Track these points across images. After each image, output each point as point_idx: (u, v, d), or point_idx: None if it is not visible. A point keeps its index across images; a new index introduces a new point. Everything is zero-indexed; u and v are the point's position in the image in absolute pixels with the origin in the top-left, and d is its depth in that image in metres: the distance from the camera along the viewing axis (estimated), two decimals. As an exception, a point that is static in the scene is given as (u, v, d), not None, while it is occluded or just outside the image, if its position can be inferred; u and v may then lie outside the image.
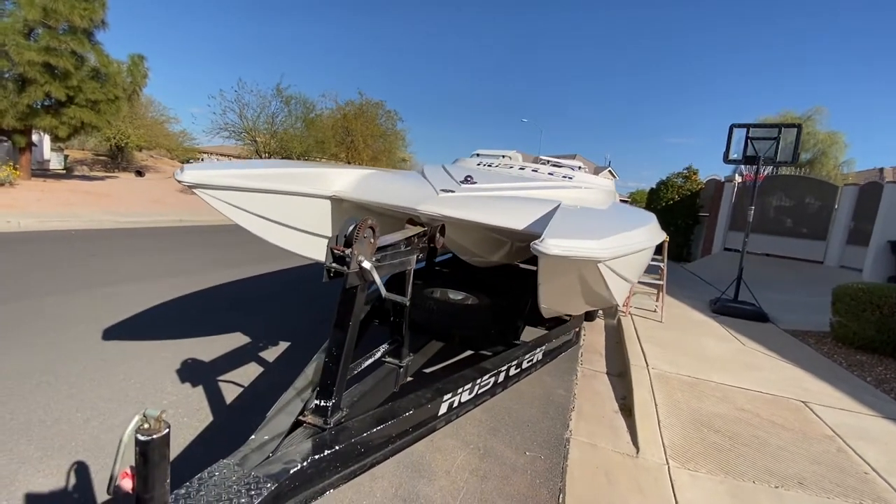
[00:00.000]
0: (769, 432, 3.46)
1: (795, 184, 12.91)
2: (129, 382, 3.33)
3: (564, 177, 4.90)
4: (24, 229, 9.06)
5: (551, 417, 3.53)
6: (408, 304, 1.87)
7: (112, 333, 4.22)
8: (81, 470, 2.39)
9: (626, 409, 3.81)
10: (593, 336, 5.93)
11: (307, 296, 6.33)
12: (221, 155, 46.46)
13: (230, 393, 3.34)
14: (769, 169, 13.11)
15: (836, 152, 24.38)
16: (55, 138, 15.77)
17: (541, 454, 3.02)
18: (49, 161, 24.07)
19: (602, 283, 2.01)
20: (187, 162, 42.67)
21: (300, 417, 1.83)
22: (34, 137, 18.73)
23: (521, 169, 5.10)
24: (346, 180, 2.96)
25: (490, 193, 3.02)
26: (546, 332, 3.67)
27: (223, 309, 5.32)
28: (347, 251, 1.65)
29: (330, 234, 2.91)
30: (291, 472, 1.50)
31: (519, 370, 2.96)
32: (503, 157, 5.65)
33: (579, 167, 5.35)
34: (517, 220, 2.43)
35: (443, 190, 2.74)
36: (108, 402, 3.05)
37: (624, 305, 6.74)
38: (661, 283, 6.88)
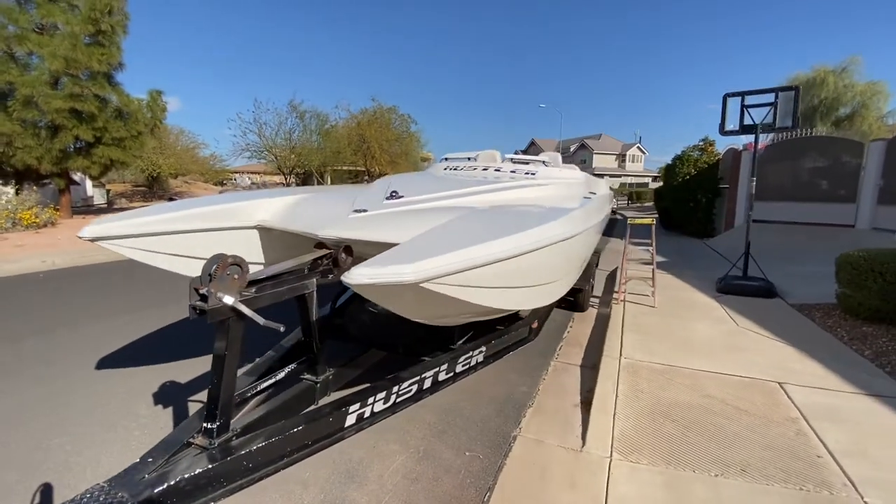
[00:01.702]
0: (729, 418, 3.38)
1: (817, 145, 12.17)
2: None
3: (528, 173, 4.92)
4: (56, 267, 9.84)
5: (505, 415, 3.58)
6: (281, 329, 1.97)
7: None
8: (47, 490, 2.67)
9: (587, 403, 3.80)
10: (581, 327, 5.88)
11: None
12: (252, 173, 48.35)
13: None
14: (784, 133, 12.47)
15: (878, 103, 22.71)
16: (90, 177, 16.89)
17: (481, 454, 3.09)
18: (93, 197, 25.87)
19: (450, 300, 1.97)
20: (221, 184, 44.68)
21: (189, 439, 2.00)
22: (77, 177, 20.24)
23: (484, 170, 5.15)
24: (271, 209, 3.13)
25: (409, 208, 3.10)
26: (497, 330, 3.70)
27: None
28: (204, 290, 1.79)
29: (263, 262, 3.09)
30: (158, 489, 1.66)
31: (452, 374, 3.03)
32: (469, 159, 5.73)
33: (544, 162, 5.32)
34: (400, 237, 2.49)
35: (355, 210, 2.84)
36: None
37: (618, 293, 6.64)
38: (650, 265, 6.72)
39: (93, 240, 2.41)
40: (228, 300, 1.82)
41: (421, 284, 1.65)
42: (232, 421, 2.25)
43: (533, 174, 4.99)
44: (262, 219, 3.05)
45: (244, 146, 26.22)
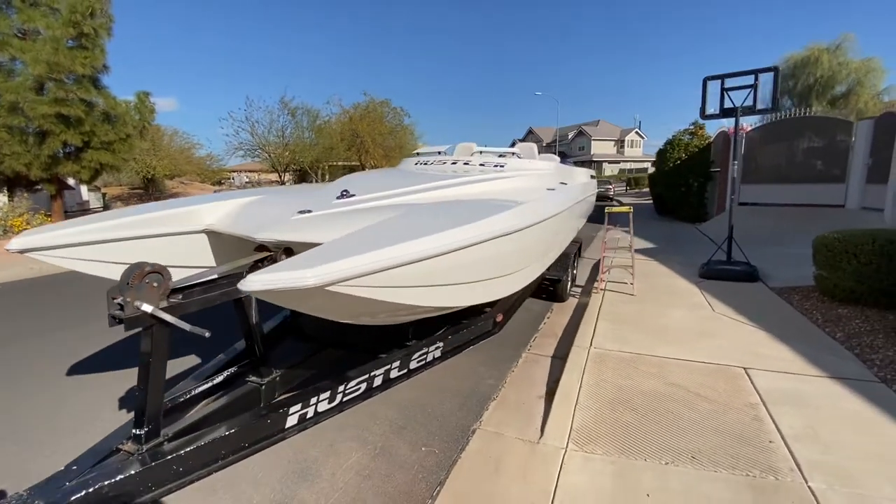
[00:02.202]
0: (689, 406, 3.38)
1: (806, 125, 12.05)
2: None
3: (497, 166, 4.90)
4: (44, 273, 9.89)
5: (467, 409, 3.59)
6: (207, 335, 1.96)
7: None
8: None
9: (552, 394, 3.81)
10: (558, 317, 5.88)
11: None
12: (250, 171, 48.28)
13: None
14: (777, 114, 12.34)
15: (873, 80, 22.42)
16: (81, 181, 16.90)
17: (437, 448, 3.10)
18: (88, 201, 25.92)
19: (369, 301, 1.95)
20: (218, 183, 44.66)
21: (118, 446, 2.01)
22: (71, 181, 20.25)
23: (453, 164, 5.14)
24: (219, 213, 3.12)
25: (358, 207, 3.08)
26: (458, 324, 3.69)
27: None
28: (120, 299, 1.80)
29: (213, 265, 3.08)
30: (77, 496, 1.67)
31: (406, 370, 3.04)
32: (440, 153, 5.72)
33: (516, 154, 5.29)
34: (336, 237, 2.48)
35: (300, 211, 2.83)
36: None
37: (598, 281, 6.62)
38: (628, 250, 6.70)
39: (22, 251, 2.41)
40: (147, 308, 1.83)
41: (327, 288, 1.64)
42: (172, 425, 2.27)
43: (502, 166, 4.97)
44: (210, 223, 3.04)
45: (237, 145, 26.18)
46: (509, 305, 4.33)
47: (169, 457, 1.92)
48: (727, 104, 7.55)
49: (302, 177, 28.63)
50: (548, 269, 6.07)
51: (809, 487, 2.47)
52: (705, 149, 14.17)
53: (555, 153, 42.76)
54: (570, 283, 6.69)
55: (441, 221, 2.53)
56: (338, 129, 27.06)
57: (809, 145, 12.06)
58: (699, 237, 11.76)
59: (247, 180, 44.49)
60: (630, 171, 52.48)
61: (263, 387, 2.73)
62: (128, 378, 4.25)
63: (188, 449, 1.97)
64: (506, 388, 3.99)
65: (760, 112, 7.41)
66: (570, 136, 60.31)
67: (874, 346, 4.26)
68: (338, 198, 3.16)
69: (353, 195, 3.23)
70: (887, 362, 3.92)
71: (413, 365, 3.11)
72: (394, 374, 2.95)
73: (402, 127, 29.34)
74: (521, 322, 5.62)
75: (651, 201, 19.52)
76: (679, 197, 14.68)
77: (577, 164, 55.70)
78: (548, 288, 6.34)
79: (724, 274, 7.06)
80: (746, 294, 6.22)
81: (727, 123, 14.15)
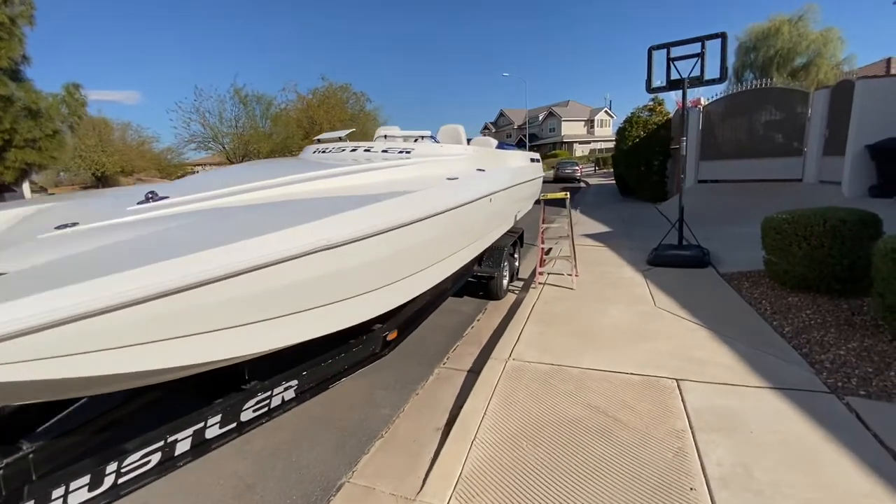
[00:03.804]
0: (604, 437, 2.81)
1: (762, 97, 11.62)
2: None
3: (402, 152, 4.25)
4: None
5: (344, 453, 2.96)
6: None
7: None
8: None
9: (451, 425, 3.20)
10: (489, 319, 5.28)
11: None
12: (213, 165, 46.50)
13: None
14: (735, 86, 11.88)
15: (832, 51, 22.29)
16: (6, 183, 15.52)
17: (283, 517, 2.47)
18: (29, 204, 24.25)
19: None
20: (180, 178, 42.90)
21: None
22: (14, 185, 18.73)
23: (352, 151, 4.47)
24: None
25: (161, 213, 2.38)
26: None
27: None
28: None
29: None
30: None
31: (235, 424, 2.37)
32: (340, 139, 5.08)
33: (421, 138, 4.63)
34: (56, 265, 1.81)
35: (57, 226, 2.11)
36: None
37: (538, 274, 6.04)
38: (566, 238, 6.12)
39: None
40: None
41: None
42: None
43: (408, 153, 4.32)
44: None
45: (188, 137, 24.75)
46: (407, 319, 3.69)
47: None
48: (674, 75, 6.98)
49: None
50: (478, 265, 5.47)
51: (728, 562, 1.91)
52: (664, 125, 13.69)
53: (525, 135, 42.12)
54: (507, 279, 6.10)
55: (239, 230, 1.89)
56: (294, 116, 25.84)
57: (768, 118, 11.66)
58: (657, 218, 11.29)
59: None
60: (601, 150, 52.27)
61: (4, 470, 2.03)
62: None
63: None
64: (401, 418, 3.37)
65: (708, 83, 6.84)
66: (540, 118, 59.72)
67: (824, 343, 3.76)
68: (139, 203, 2.45)
69: (164, 198, 2.51)
70: (838, 364, 3.42)
71: (248, 416, 2.44)
72: (213, 432, 2.28)
73: (364, 113, 28.24)
74: (443, 328, 5.01)
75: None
76: (639, 176, 14.22)
77: (548, 146, 55.42)
78: (484, 283, 5.74)
79: (673, 260, 6.56)
80: (694, 282, 5.72)
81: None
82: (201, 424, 2.23)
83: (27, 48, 14.99)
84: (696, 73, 6.80)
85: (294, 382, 2.68)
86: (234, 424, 2.38)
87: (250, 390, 2.50)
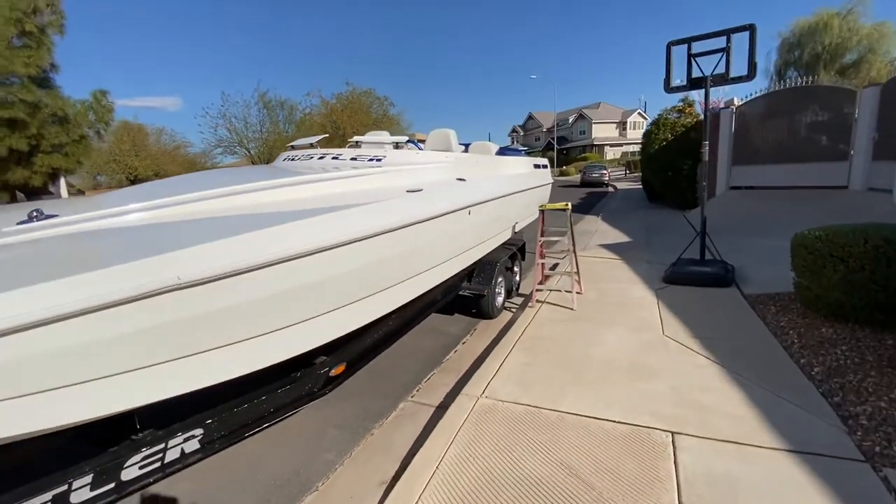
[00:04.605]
0: (570, 509, 2.30)
1: (804, 96, 10.65)
2: None
3: (373, 160, 3.86)
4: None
5: (265, 512, 2.56)
6: None
7: None
8: None
9: (398, 479, 2.75)
10: (476, 341, 4.80)
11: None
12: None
13: None
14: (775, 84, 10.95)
15: (886, 47, 20.58)
16: (31, 188, 16.03)
17: None
18: (66, 206, 25.30)
19: None
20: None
21: None
22: (52, 186, 19.49)
23: (320, 158, 4.11)
24: None
25: (39, 235, 2.06)
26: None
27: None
28: None
29: None
30: None
31: (112, 486, 2.00)
32: (312, 145, 4.75)
33: (396, 144, 4.21)
34: None
35: None
36: None
37: (535, 292, 5.50)
38: (568, 252, 5.57)
39: None
40: None
41: None
42: None
43: (379, 160, 3.92)
44: None
45: (215, 142, 25.28)
46: (362, 350, 3.26)
47: None
48: (696, 73, 6.32)
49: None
50: (467, 282, 5.01)
51: None
52: (694, 127, 12.79)
53: (553, 138, 41.30)
54: (503, 296, 5.59)
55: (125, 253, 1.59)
56: (319, 121, 25.97)
57: (810, 119, 10.66)
58: (683, 227, 10.48)
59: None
60: (633, 153, 50.66)
61: None
62: None
63: None
64: (346, 466, 2.94)
65: (734, 81, 6.15)
66: (569, 121, 58.47)
67: (862, 390, 3.11)
68: (19, 223, 2.12)
69: (52, 216, 2.18)
70: (878, 420, 2.78)
71: (132, 474, 2.05)
72: (82, 496, 1.91)
73: (388, 117, 28.12)
74: (422, 352, 4.57)
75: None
76: (666, 182, 13.35)
77: (577, 149, 54.11)
78: (473, 303, 5.27)
79: (691, 277, 5.89)
80: (713, 304, 5.07)
81: (716, 96, 12.80)
82: (63, 488, 1.87)
83: (56, 56, 15.53)
84: (721, 70, 6.14)
85: (198, 432, 2.29)
86: (112, 485, 2.00)
87: (136, 442, 2.13)
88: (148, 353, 1.90)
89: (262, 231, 2.10)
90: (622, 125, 55.98)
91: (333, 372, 2.96)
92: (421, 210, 3.16)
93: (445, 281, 4.17)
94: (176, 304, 1.85)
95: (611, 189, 26.33)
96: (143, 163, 28.55)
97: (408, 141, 4.72)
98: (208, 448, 2.35)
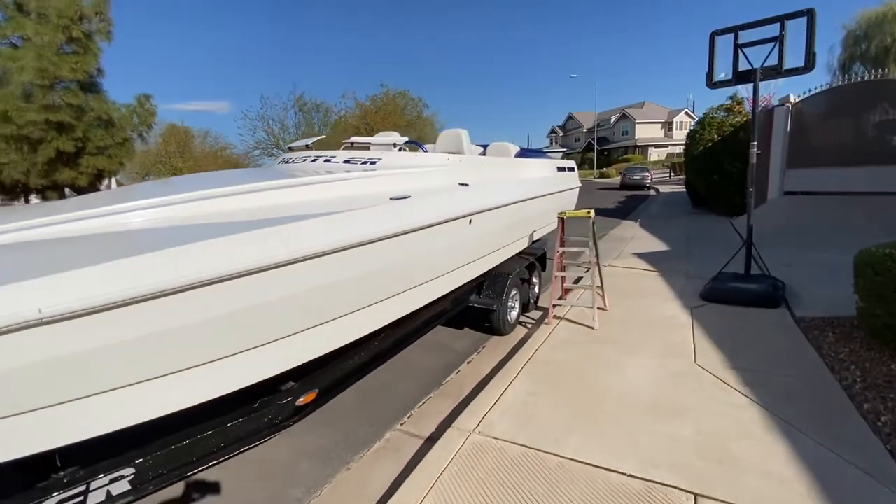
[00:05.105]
0: None
1: (872, 91, 9.54)
2: None
3: (367, 162, 3.55)
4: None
5: (210, 562, 2.25)
6: None
7: None
8: None
9: (364, 530, 2.39)
10: (483, 361, 4.39)
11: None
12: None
13: None
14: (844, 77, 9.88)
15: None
16: (77, 188, 16.76)
17: None
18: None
19: None
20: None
21: None
22: (103, 186, 20.53)
23: (313, 161, 3.85)
24: None
25: None
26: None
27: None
28: None
29: None
30: None
31: None
32: (307, 147, 4.55)
33: (394, 145, 3.87)
34: None
35: None
36: None
37: (552, 307, 5.01)
38: (590, 264, 5.05)
39: None
40: None
41: None
42: None
43: (373, 163, 3.58)
44: None
45: (254, 144, 25.91)
46: (341, 375, 2.92)
47: None
48: (743, 65, 5.65)
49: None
50: (476, 295, 4.62)
51: None
52: (743, 127, 11.80)
53: (594, 139, 40.29)
54: (517, 310, 5.13)
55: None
56: (353, 123, 26.15)
57: (880, 117, 9.54)
58: (730, 236, 9.63)
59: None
60: (679, 155, 48.45)
61: None
62: None
63: None
64: (307, 510, 2.61)
65: (789, 73, 5.42)
66: (611, 121, 56.62)
67: (944, 450, 2.49)
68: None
69: None
70: (966, 494, 2.18)
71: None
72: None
73: (421, 118, 27.99)
74: (421, 371, 4.21)
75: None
76: (712, 185, 12.39)
77: (619, 150, 52.25)
78: (484, 317, 4.86)
79: (733, 295, 5.23)
80: (758, 328, 4.43)
81: (767, 92, 11.78)
82: None
83: (103, 61, 16.23)
84: (773, 61, 5.45)
85: (128, 471, 2.01)
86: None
87: (51, 484, 1.86)
88: (69, 386, 1.64)
89: (185, 246, 1.79)
90: (668, 125, 53.67)
91: (302, 400, 2.63)
92: (400, 221, 2.79)
93: (443, 297, 3.78)
94: (92, 330, 1.58)
95: (653, 192, 25.12)
96: (188, 164, 29.63)
97: (409, 142, 4.38)
98: (142, 489, 2.06)
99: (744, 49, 5.62)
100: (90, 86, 15.75)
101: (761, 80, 5.51)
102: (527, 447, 2.78)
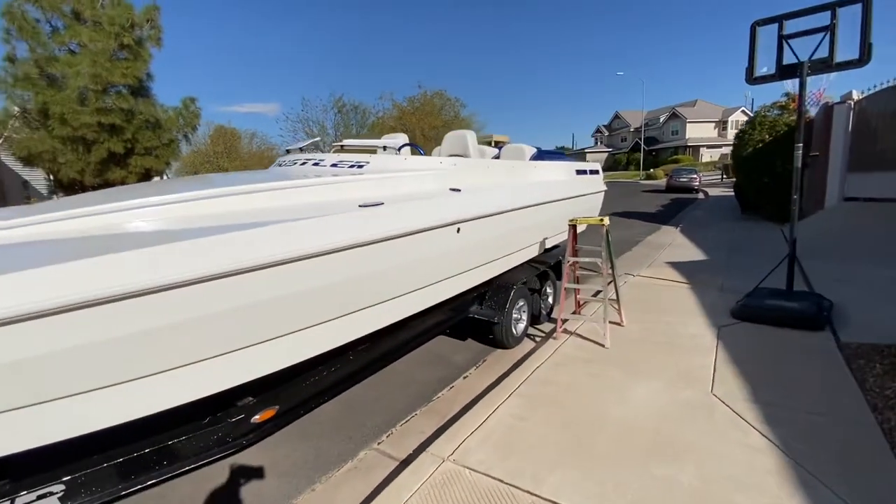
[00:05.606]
0: None
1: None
2: None
3: (354, 166, 3.42)
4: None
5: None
6: None
7: None
8: None
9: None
10: (481, 376, 4.13)
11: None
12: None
13: None
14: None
15: None
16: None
17: None
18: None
19: None
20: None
21: None
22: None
23: (302, 165, 3.76)
24: None
25: None
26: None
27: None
28: None
29: None
30: None
31: None
32: (301, 150, 4.49)
33: (384, 147, 3.71)
34: None
35: None
36: None
37: (560, 321, 4.68)
38: (605, 275, 4.68)
39: None
40: None
41: None
42: None
43: (360, 166, 3.43)
44: None
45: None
46: (312, 394, 2.76)
47: None
48: (789, 59, 5.10)
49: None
50: (477, 305, 4.38)
51: None
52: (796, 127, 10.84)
53: (641, 139, 39.09)
54: (524, 322, 4.83)
55: None
56: (390, 124, 26.29)
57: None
58: (778, 244, 8.84)
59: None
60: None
61: None
62: None
63: None
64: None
65: (841, 67, 4.82)
66: (661, 120, 54.34)
67: None
68: None
69: None
70: None
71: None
72: None
73: (458, 119, 27.75)
74: (412, 385, 4.00)
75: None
76: (762, 189, 11.48)
77: (669, 150, 49.99)
78: (487, 329, 4.59)
79: (769, 314, 4.69)
80: (792, 355, 3.93)
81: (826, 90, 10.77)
82: None
83: (153, 67, 17.08)
84: (823, 53, 4.88)
85: (57, 489, 1.92)
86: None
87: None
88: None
89: (120, 254, 1.69)
90: (722, 125, 50.90)
91: (258, 418, 2.48)
92: (366, 230, 2.59)
93: (432, 309, 3.56)
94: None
95: (700, 195, 23.82)
96: (234, 164, 30.80)
97: (405, 145, 4.19)
98: None
99: (789, 41, 5.08)
100: (140, 90, 16.62)
101: (809, 74, 4.94)
102: (500, 481, 2.51)
